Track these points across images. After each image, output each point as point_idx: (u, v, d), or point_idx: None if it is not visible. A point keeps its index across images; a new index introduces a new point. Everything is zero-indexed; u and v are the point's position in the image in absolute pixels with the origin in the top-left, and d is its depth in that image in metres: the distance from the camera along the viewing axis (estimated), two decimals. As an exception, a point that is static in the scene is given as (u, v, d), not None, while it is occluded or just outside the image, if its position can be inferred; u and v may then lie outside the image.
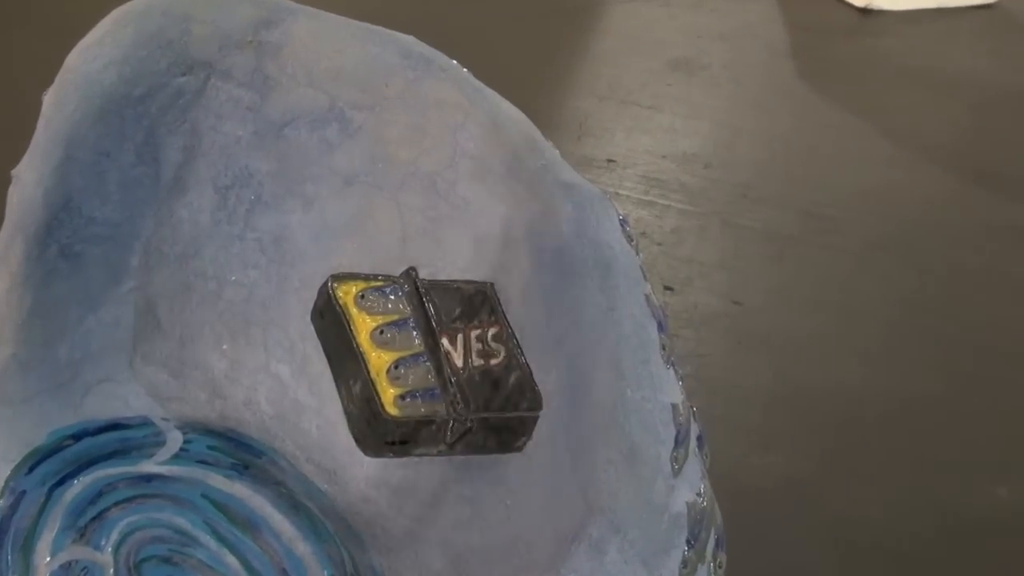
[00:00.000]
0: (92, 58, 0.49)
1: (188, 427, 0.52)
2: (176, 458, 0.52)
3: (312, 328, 0.52)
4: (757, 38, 1.65)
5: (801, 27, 1.67)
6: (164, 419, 0.52)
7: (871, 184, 1.30)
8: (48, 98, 0.49)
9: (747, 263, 1.16)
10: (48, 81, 0.50)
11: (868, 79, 1.54)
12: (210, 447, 0.52)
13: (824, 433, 0.94)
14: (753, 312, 1.08)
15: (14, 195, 0.49)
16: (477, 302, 0.51)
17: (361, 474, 0.51)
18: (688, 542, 0.45)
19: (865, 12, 1.71)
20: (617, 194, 1.23)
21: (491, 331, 0.50)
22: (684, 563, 0.46)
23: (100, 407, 0.52)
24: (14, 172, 0.49)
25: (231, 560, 0.49)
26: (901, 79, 1.54)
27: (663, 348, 0.48)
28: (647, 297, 0.48)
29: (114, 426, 0.52)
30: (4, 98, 1.08)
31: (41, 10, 1.38)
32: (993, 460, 0.93)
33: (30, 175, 0.48)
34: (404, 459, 0.50)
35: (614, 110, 1.41)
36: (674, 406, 0.47)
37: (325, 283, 0.51)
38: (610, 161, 1.30)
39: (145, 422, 0.52)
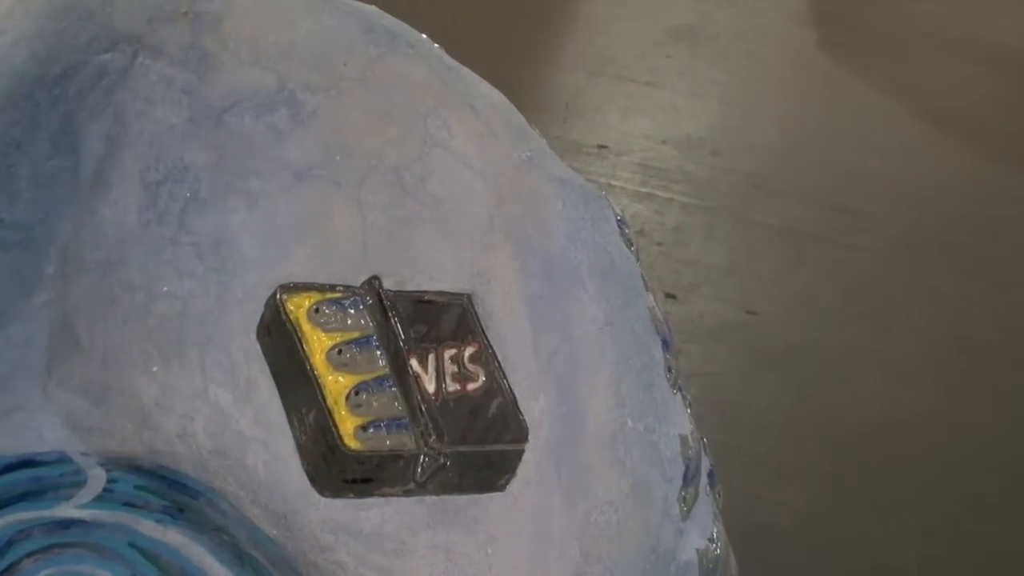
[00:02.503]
0: (0, 32, 0.49)
1: (112, 464, 0.53)
2: (99, 500, 0.52)
3: (258, 347, 0.52)
4: (772, 2, 1.67)
5: (824, -12, 1.70)
6: (84, 454, 0.53)
7: (906, 172, 1.32)
8: (-53, 79, 0.49)
9: (761, 266, 1.17)
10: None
11: (901, 50, 1.56)
12: (138, 487, 0.53)
13: (852, 463, 0.95)
14: (769, 323, 1.09)
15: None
16: (452, 317, 0.51)
17: (316, 518, 0.51)
18: (701, 598, 0.46)
19: (897, -28, 1.73)
20: (610, 186, 1.24)
21: (468, 351, 0.51)
22: (695, 620, 0.47)
23: (8, 440, 0.52)
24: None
25: (165, 619, 0.49)
26: (940, 50, 1.56)
27: (669, 370, 0.49)
28: (650, 310, 0.49)
29: (25, 463, 0.52)
30: None
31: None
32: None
33: (-75, 169, 0.49)
34: (367, 500, 0.51)
35: (606, 87, 1.42)
36: (682, 438, 0.48)
37: (273, 295, 0.52)
38: (601, 147, 1.31)
39: (62, 458, 0.52)
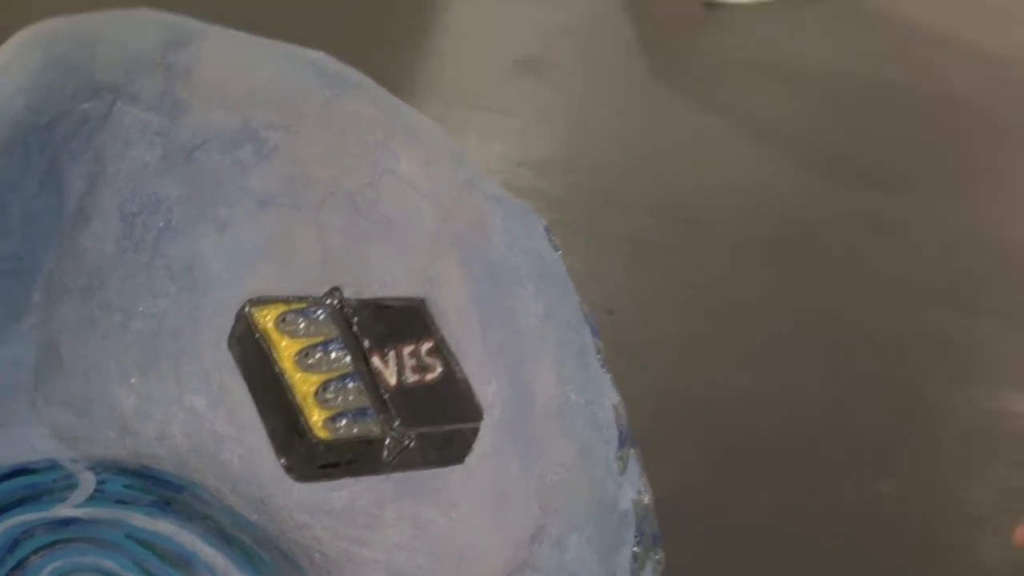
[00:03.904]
0: (-2, 86, 0.52)
1: (100, 467, 0.55)
2: (92, 500, 0.54)
3: (229, 356, 0.56)
4: (604, 34, 1.72)
5: (649, 21, 1.75)
6: (73, 460, 0.55)
7: (735, 183, 1.39)
8: (-50, 127, 0.51)
9: (616, 271, 1.23)
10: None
11: (721, 75, 1.63)
12: (126, 486, 0.55)
13: (713, 440, 1.02)
14: (627, 321, 1.15)
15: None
16: (408, 318, 0.56)
17: (292, 501, 0.55)
18: (636, 538, 0.53)
19: (709, 6, 1.81)
20: (475, 205, 1.28)
21: (425, 346, 0.56)
22: (634, 558, 0.53)
23: (3, 452, 0.54)
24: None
25: (167, 598, 0.52)
26: (753, 74, 1.64)
27: (598, 352, 0.55)
28: (579, 303, 0.55)
29: (20, 471, 0.54)
30: None
31: None
32: (877, 457, 1.03)
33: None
34: (337, 481, 0.55)
35: (462, 115, 1.46)
36: (615, 407, 0.54)
37: (242, 308, 0.56)
38: (463, 170, 1.35)
39: (53, 465, 0.55)
